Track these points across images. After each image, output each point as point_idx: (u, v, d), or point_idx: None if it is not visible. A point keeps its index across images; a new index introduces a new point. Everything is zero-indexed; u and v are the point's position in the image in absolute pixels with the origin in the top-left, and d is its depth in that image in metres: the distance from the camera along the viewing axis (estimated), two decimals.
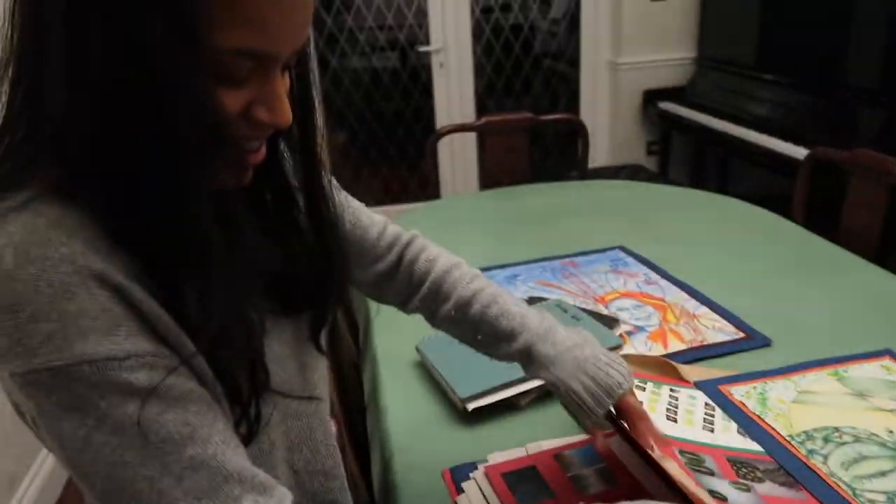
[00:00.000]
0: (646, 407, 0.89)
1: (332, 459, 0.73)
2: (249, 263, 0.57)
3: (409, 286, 0.85)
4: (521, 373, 1.02)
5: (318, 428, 0.70)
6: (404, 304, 0.88)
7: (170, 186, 0.49)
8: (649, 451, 0.69)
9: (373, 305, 1.41)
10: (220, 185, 0.55)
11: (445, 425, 1.02)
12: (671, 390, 0.96)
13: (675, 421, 0.89)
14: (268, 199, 0.66)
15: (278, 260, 0.65)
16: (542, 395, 1.04)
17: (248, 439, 0.58)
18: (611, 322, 1.21)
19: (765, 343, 1.14)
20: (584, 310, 1.23)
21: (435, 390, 1.10)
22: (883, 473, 0.81)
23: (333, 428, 0.76)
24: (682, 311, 1.27)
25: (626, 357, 1.01)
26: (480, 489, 0.87)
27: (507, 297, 0.80)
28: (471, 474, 0.90)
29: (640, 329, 1.21)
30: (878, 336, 1.12)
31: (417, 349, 1.17)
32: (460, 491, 0.88)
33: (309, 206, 0.66)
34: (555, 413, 1.02)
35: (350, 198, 0.84)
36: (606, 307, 1.30)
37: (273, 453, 0.65)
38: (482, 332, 0.80)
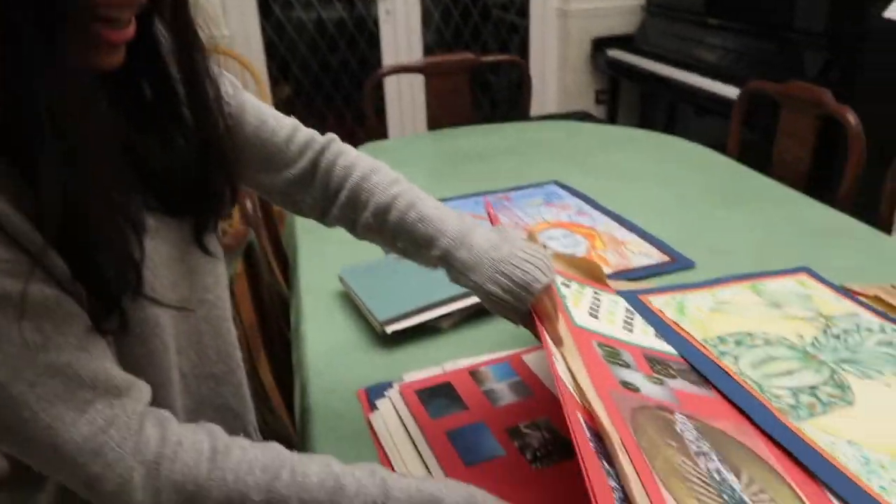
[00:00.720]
0: (570, 303, 0.88)
1: (226, 365, 0.69)
2: (111, 151, 0.53)
3: (325, 195, 0.80)
4: (440, 295, 1.02)
5: (207, 332, 0.67)
6: (323, 216, 0.83)
7: (12, 60, 0.44)
8: (550, 353, 0.67)
9: (301, 238, 1.39)
10: (88, 64, 0.50)
11: (364, 349, 1.00)
12: (595, 292, 0.95)
13: (597, 318, 0.88)
14: (145, 88, 0.61)
15: (157, 154, 0.61)
16: (465, 317, 1.03)
17: (121, 339, 0.55)
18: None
19: (688, 265, 1.15)
20: None
21: (356, 317, 1.08)
22: (790, 373, 0.81)
23: (234, 336, 0.72)
24: (610, 238, 1.26)
25: (557, 256, 1.00)
26: (394, 406, 0.86)
27: (426, 201, 0.76)
28: (385, 392, 0.88)
29: None
30: (798, 259, 1.13)
31: (340, 278, 1.14)
32: (374, 409, 0.86)
33: (189, 95, 0.62)
34: (475, 334, 1.01)
35: (255, 99, 0.79)
36: (537, 237, 1.29)
37: (166, 355, 0.62)
38: (402, 239, 0.76)
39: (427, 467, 0.75)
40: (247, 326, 1.00)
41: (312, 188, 0.80)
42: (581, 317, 0.87)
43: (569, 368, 0.70)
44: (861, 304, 0.97)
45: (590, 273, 0.99)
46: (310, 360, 0.99)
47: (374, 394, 0.89)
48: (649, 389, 0.75)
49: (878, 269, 1.12)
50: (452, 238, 0.72)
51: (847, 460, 0.68)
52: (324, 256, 1.28)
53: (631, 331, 0.88)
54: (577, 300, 0.90)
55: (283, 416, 1.11)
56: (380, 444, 0.80)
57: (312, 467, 0.54)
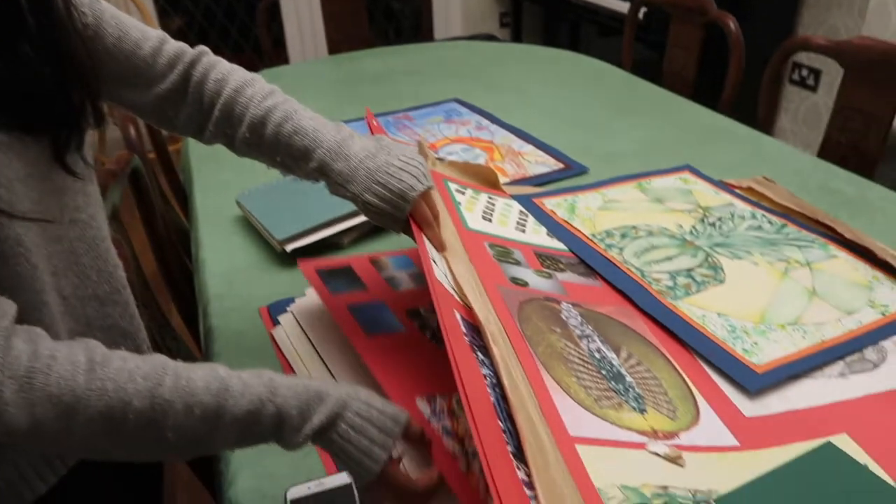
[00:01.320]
0: (463, 208, 0.90)
1: (109, 286, 0.67)
2: None
3: (199, 111, 0.77)
4: (339, 212, 1.02)
5: (85, 253, 0.64)
6: (200, 132, 0.80)
7: None
8: (427, 257, 0.68)
9: (195, 166, 1.34)
10: None
11: (265, 270, 0.99)
12: (489, 197, 0.97)
13: (490, 221, 0.90)
14: None
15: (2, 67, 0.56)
16: (365, 234, 1.03)
17: None
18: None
19: (582, 171, 1.18)
20: None
21: (256, 240, 1.06)
22: (669, 258, 0.87)
23: (114, 255, 0.70)
24: (508, 150, 1.28)
25: (452, 164, 1.01)
26: (296, 319, 0.86)
27: (302, 113, 0.74)
28: (287, 308, 0.88)
29: None
30: (683, 160, 1.19)
31: (238, 202, 1.11)
32: (277, 324, 0.86)
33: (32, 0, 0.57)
34: (375, 248, 1.01)
35: (117, 10, 0.74)
36: (436, 153, 1.29)
37: (36, 277, 0.59)
38: (280, 153, 0.74)
39: (331, 373, 0.76)
40: (139, 254, 0.96)
41: (185, 104, 0.77)
42: (474, 221, 0.89)
43: (450, 270, 0.72)
44: (736, 195, 1.03)
45: (485, 180, 1.01)
46: (210, 284, 0.97)
47: (275, 310, 0.88)
48: (538, 283, 0.79)
49: (755, 166, 1.19)
50: (328, 149, 0.71)
51: (715, 329, 0.74)
52: (220, 183, 1.24)
53: (524, 231, 0.91)
54: (470, 205, 0.92)
55: (189, 343, 1.10)
56: (283, 355, 0.81)
57: (197, 372, 0.53)
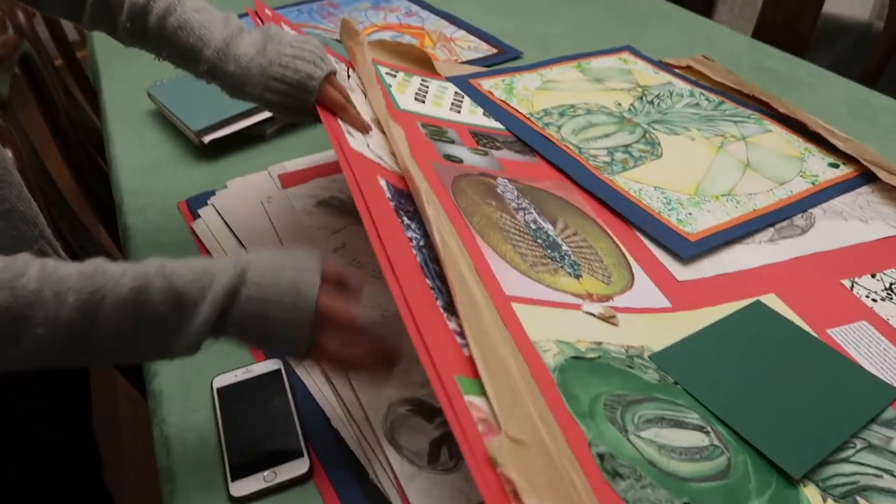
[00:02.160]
0: (394, 90, 0.85)
1: None
2: None
3: None
4: None
5: None
6: (78, 18, 0.70)
7: None
8: (340, 137, 0.63)
9: (102, 60, 1.23)
10: None
11: (183, 164, 0.92)
12: (422, 80, 0.92)
13: (423, 102, 0.86)
14: None
15: None
16: (290, 123, 0.97)
17: None
18: None
19: (516, 55, 1.14)
20: (338, 41, 1.13)
21: (171, 133, 0.98)
22: (607, 135, 0.85)
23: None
24: (439, 36, 1.22)
25: (381, 44, 0.94)
26: (217, 211, 0.81)
27: (186, 4, 0.65)
28: (208, 200, 0.83)
29: None
30: (619, 42, 1.15)
31: (149, 94, 1.02)
32: (196, 217, 0.81)
33: None
34: (301, 138, 0.96)
35: None
36: None
37: None
38: (165, 49, 0.66)
39: None
40: (45, 155, 0.88)
41: None
42: (406, 102, 0.84)
43: (385, 136, 0.67)
44: (675, 74, 1.01)
45: (417, 61, 0.95)
46: (124, 181, 0.90)
47: (195, 204, 0.83)
48: (473, 160, 0.75)
49: (692, 47, 1.16)
50: (217, 49, 0.63)
51: (651, 202, 0.73)
52: (130, 76, 1.14)
53: (459, 112, 0.87)
54: (402, 88, 0.87)
55: (111, 248, 1.03)
56: (205, 250, 0.76)
57: (70, 263, 0.44)
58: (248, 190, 0.85)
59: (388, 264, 0.47)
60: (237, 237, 0.76)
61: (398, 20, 1.29)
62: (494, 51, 1.15)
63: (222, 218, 0.81)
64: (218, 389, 0.60)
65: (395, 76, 0.89)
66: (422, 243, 0.53)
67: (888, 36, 1.11)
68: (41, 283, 0.42)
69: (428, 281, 0.49)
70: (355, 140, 0.63)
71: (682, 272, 0.65)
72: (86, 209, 1.27)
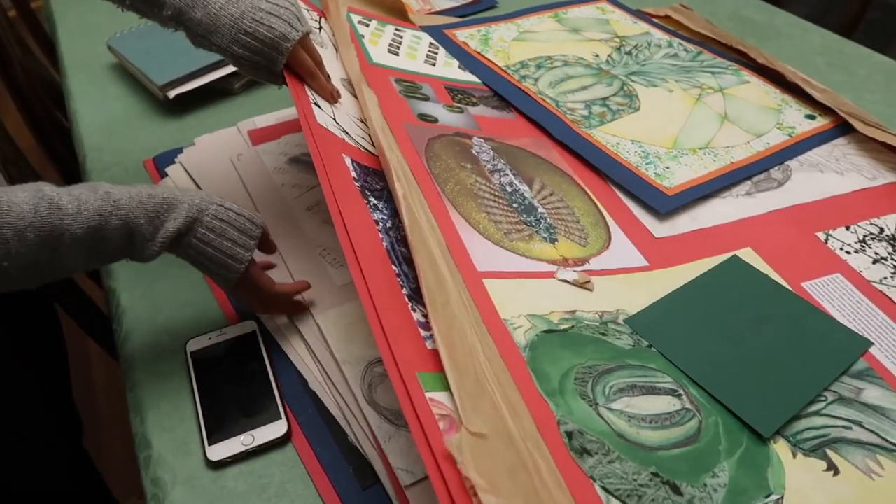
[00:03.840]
0: (367, 41, 0.82)
1: None
2: None
3: None
4: None
5: None
6: None
7: None
8: (306, 106, 0.60)
9: (58, 10, 1.17)
10: None
11: (148, 119, 0.89)
12: (396, 29, 0.89)
13: (397, 55, 0.83)
14: None
15: None
16: (253, 83, 0.93)
17: None
18: None
19: (491, 5, 1.10)
20: None
21: (134, 87, 0.95)
22: (584, 88, 0.83)
23: None
24: None
25: None
26: (185, 169, 0.78)
27: None
28: (176, 159, 0.80)
29: None
30: None
31: (109, 47, 0.98)
32: (164, 176, 0.78)
33: None
34: (270, 93, 0.92)
35: None
36: None
37: None
38: None
39: None
40: (2, 114, 0.84)
41: None
42: (379, 54, 0.81)
43: (358, 101, 0.65)
44: (653, 24, 0.99)
45: (391, 10, 0.92)
46: (86, 137, 0.87)
47: (162, 161, 0.80)
48: (448, 118, 0.74)
49: None
50: None
51: (629, 156, 0.72)
52: (88, 27, 1.09)
53: (433, 65, 0.84)
54: (375, 38, 0.84)
55: None
56: None
57: (19, 195, 0.46)
58: (217, 147, 0.82)
59: (352, 253, 0.47)
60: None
61: None
62: (468, 0, 1.11)
63: (190, 176, 0.78)
64: (192, 353, 0.59)
65: (367, 25, 0.86)
66: (388, 225, 0.52)
67: None
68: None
69: (394, 267, 0.48)
70: (322, 113, 0.61)
71: (659, 228, 0.65)
72: (46, 165, 1.23)
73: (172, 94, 0.88)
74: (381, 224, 0.52)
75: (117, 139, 0.86)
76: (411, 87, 0.77)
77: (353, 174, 0.56)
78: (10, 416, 0.71)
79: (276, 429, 0.53)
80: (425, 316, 0.45)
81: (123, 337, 0.61)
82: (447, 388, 0.41)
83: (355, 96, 0.68)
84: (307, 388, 0.56)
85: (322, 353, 0.58)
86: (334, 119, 0.62)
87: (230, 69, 0.90)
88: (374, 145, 0.62)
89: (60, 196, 0.47)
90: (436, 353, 0.42)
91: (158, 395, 0.57)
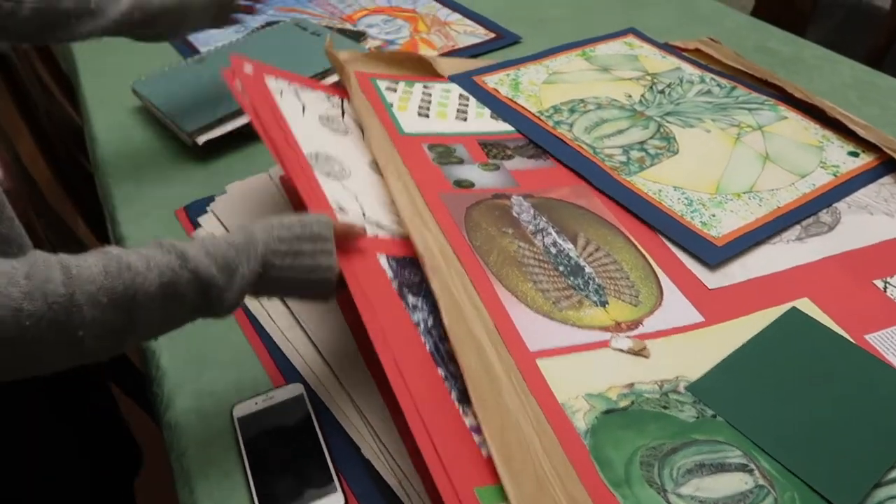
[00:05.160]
0: (396, 109, 0.81)
1: None
2: None
3: None
4: None
5: None
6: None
7: None
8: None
9: (78, 53, 1.16)
10: None
11: (175, 166, 0.88)
12: (424, 87, 0.88)
13: (427, 116, 0.82)
14: None
15: None
16: None
17: None
18: (357, 36, 1.08)
19: (515, 40, 1.10)
20: (327, 27, 1.08)
21: (160, 132, 0.94)
22: (620, 132, 0.82)
23: None
24: (433, 20, 1.17)
25: (376, 56, 0.91)
26: (218, 219, 0.77)
27: None
28: (208, 208, 0.79)
29: (389, 43, 1.10)
30: (620, 23, 1.12)
31: (134, 91, 0.97)
32: (196, 226, 0.77)
33: None
34: None
35: None
36: (354, 25, 1.16)
37: None
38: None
39: None
40: (28, 163, 0.83)
41: None
42: (409, 122, 0.80)
43: (388, 187, 0.65)
44: (683, 58, 0.98)
45: (417, 67, 0.91)
46: (115, 187, 0.85)
47: (193, 211, 0.79)
48: (485, 180, 0.73)
49: (692, 27, 1.14)
50: None
51: (672, 204, 0.71)
52: (109, 70, 1.08)
53: (465, 119, 0.83)
54: (404, 103, 0.83)
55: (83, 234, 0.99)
56: None
57: (88, 259, 0.44)
58: (249, 195, 0.81)
59: (395, 368, 0.46)
60: None
61: (389, 3, 1.24)
62: (492, 35, 1.11)
63: (223, 225, 0.77)
64: (238, 419, 0.57)
65: (395, 90, 0.85)
66: (430, 323, 0.52)
67: (894, 13, 1.09)
68: (69, 287, 0.42)
69: (440, 370, 0.48)
70: (348, 212, 0.60)
71: (710, 279, 0.64)
72: (62, 201, 1.21)
73: (202, 139, 0.87)
74: (421, 326, 0.52)
75: (147, 188, 0.84)
76: (444, 151, 0.76)
77: (390, 274, 0.55)
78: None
79: (333, 501, 0.51)
80: (477, 417, 0.44)
81: (166, 401, 0.60)
82: (506, 498, 0.39)
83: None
84: (360, 454, 0.55)
85: (373, 417, 0.56)
86: (363, 216, 0.61)
87: None
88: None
89: (128, 255, 0.45)
90: (491, 460, 0.41)
91: (207, 463, 0.55)
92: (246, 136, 0.90)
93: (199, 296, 0.47)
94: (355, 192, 0.64)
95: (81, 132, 1.15)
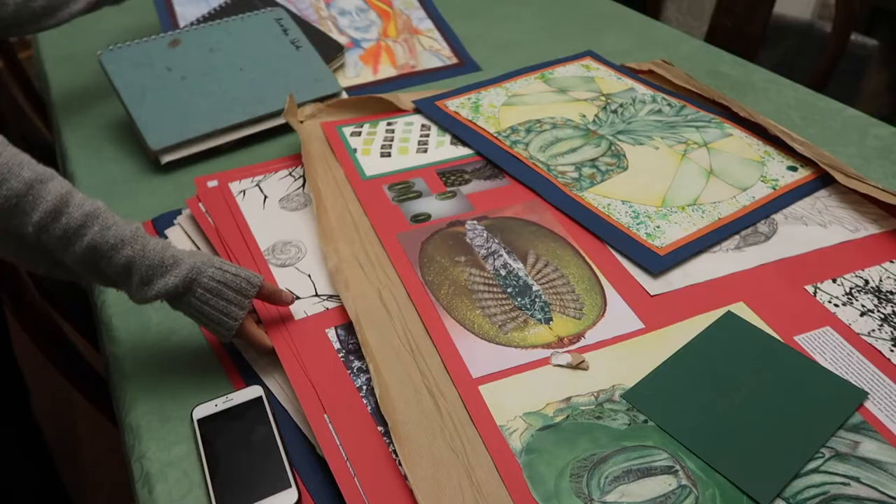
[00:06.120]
0: (359, 154, 0.86)
1: None
2: None
3: None
4: (223, 122, 0.92)
5: None
6: None
7: None
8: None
9: (50, 68, 1.18)
10: None
11: (143, 179, 0.90)
12: (388, 123, 0.92)
13: (389, 155, 0.86)
14: None
15: None
16: (245, 139, 0.95)
17: None
18: (334, 50, 1.09)
19: (474, 69, 1.13)
20: (306, 24, 1.09)
21: (130, 148, 0.95)
22: (573, 150, 0.86)
23: None
24: (405, 23, 1.20)
25: (340, 103, 0.95)
26: (185, 232, 0.79)
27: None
28: (175, 220, 0.81)
29: (356, 43, 1.13)
30: (579, 47, 1.17)
31: (100, 63, 0.95)
32: (163, 238, 0.79)
33: None
34: (259, 152, 0.94)
35: None
36: (328, 7, 1.19)
37: None
38: None
39: None
40: None
41: None
42: (371, 165, 0.85)
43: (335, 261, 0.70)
44: (637, 79, 1.03)
45: (378, 107, 0.96)
46: None
47: (161, 224, 0.81)
48: (441, 209, 0.77)
49: (647, 51, 1.19)
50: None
51: (620, 217, 0.75)
52: (81, 89, 1.10)
53: (426, 150, 0.87)
54: (367, 146, 0.88)
55: None
56: None
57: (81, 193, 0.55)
58: None
59: (333, 443, 0.54)
60: None
61: None
62: (455, 61, 1.14)
63: (191, 239, 0.79)
64: (198, 420, 0.59)
65: (359, 134, 0.90)
66: (370, 387, 0.57)
67: (835, 40, 1.15)
68: (52, 194, 0.53)
69: (380, 428, 0.54)
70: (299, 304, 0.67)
71: (653, 285, 0.67)
72: None
73: (165, 159, 0.89)
74: (364, 388, 0.58)
75: (116, 202, 0.86)
76: (403, 188, 0.81)
77: (337, 345, 0.62)
78: None
79: (287, 497, 0.53)
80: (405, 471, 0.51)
81: (127, 406, 0.61)
82: None
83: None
84: (315, 453, 0.57)
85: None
86: (316, 294, 0.67)
87: (228, 137, 0.92)
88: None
89: (108, 211, 0.56)
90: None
91: (166, 465, 0.56)
92: (210, 151, 0.92)
93: (121, 271, 0.56)
94: (309, 272, 0.70)
95: (51, 149, 1.17)
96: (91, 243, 0.54)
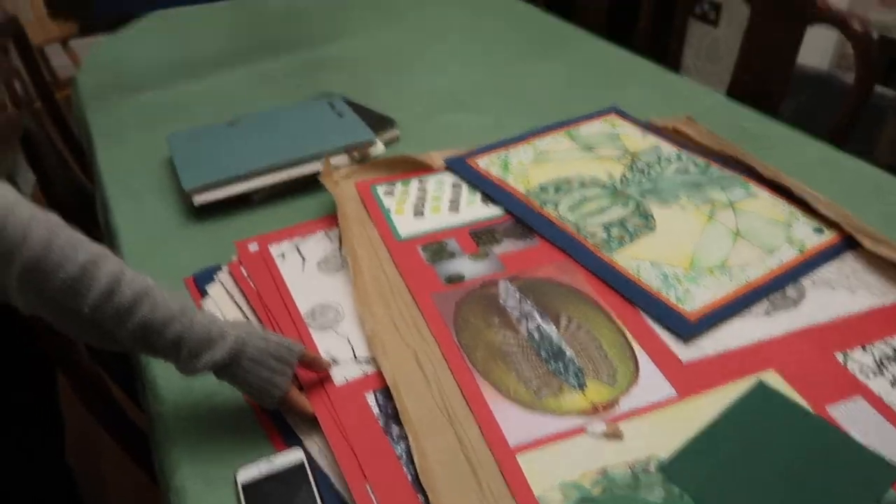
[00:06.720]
0: (393, 214, 0.89)
1: None
2: None
3: None
4: (255, 164, 0.96)
5: None
6: None
7: None
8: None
9: (91, 115, 1.23)
10: None
11: (183, 230, 0.93)
12: (419, 181, 0.95)
13: (423, 214, 0.89)
14: None
15: None
16: (276, 191, 0.98)
17: None
18: (385, 124, 1.13)
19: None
20: (354, 105, 1.14)
21: (170, 198, 0.99)
22: (602, 210, 0.88)
23: None
24: None
25: (375, 164, 0.99)
26: (225, 288, 0.82)
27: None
28: (215, 276, 0.84)
29: None
30: (603, 100, 1.20)
31: (168, 142, 1.03)
32: (204, 294, 0.82)
33: None
34: (290, 207, 0.97)
35: None
36: None
37: None
38: None
39: None
40: None
41: None
42: (405, 224, 0.87)
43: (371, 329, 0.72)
44: (662, 136, 1.05)
45: (410, 166, 0.99)
46: (127, 257, 0.90)
47: (202, 280, 0.84)
48: (474, 270, 0.79)
49: (669, 106, 1.21)
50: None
51: (650, 279, 0.77)
52: (122, 138, 1.15)
53: (457, 210, 0.90)
54: (400, 206, 0.90)
55: None
56: None
57: (132, 272, 0.57)
58: None
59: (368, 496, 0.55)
60: (247, 317, 0.77)
61: None
62: None
63: (231, 297, 0.81)
64: (243, 486, 0.60)
65: (392, 193, 0.93)
66: (412, 452, 0.59)
67: (855, 94, 1.17)
68: (105, 275, 0.54)
69: (420, 496, 0.55)
70: (338, 370, 0.69)
71: (684, 352, 0.68)
72: None
73: (199, 200, 0.92)
74: (403, 458, 0.59)
75: (158, 256, 0.89)
76: (437, 249, 0.83)
77: (376, 410, 0.63)
78: None
79: None
80: None
81: (173, 467, 0.63)
82: None
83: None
84: None
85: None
86: (354, 358, 0.69)
87: (257, 183, 0.95)
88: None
89: (156, 288, 0.58)
90: None
91: None
92: (241, 202, 0.95)
93: (171, 346, 0.58)
94: (347, 335, 0.72)
95: (88, 194, 1.21)
96: (142, 321, 0.56)
